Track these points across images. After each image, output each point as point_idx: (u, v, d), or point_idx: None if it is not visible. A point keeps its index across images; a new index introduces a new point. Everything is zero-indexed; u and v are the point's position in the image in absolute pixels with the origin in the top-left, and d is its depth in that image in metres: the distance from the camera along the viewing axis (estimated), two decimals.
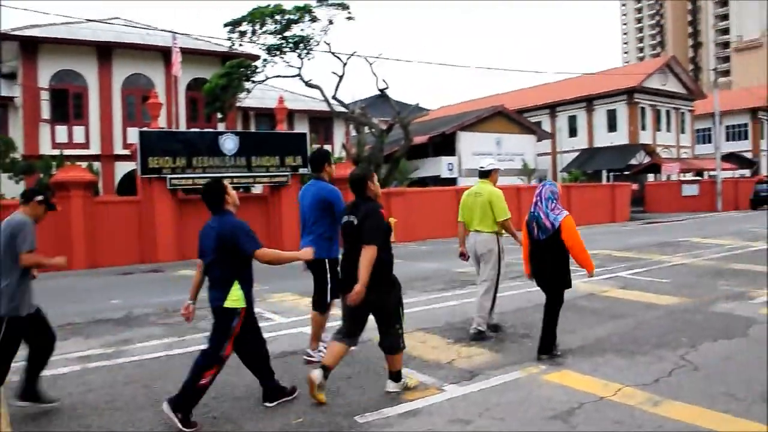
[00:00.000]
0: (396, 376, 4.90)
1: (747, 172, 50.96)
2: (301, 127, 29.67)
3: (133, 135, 19.18)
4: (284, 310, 8.80)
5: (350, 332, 4.86)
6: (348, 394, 4.92)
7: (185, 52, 22.76)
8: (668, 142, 46.96)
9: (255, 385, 4.84)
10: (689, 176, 42.45)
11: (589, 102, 46.22)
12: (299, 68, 22.95)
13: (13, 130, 23.52)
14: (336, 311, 5.60)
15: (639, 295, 8.93)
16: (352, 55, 23.19)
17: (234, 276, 4.48)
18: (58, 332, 5.11)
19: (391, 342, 4.82)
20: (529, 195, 9.91)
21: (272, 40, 22.50)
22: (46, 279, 11.25)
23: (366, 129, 25.32)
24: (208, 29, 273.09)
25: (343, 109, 24.63)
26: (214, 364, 4.42)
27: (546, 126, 47.19)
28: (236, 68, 22.33)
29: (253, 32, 22.40)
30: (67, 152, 22.67)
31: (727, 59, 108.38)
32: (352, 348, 5.07)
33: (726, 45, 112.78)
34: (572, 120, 47.73)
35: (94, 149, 24.57)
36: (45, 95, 23.72)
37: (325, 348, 5.58)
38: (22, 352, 4.67)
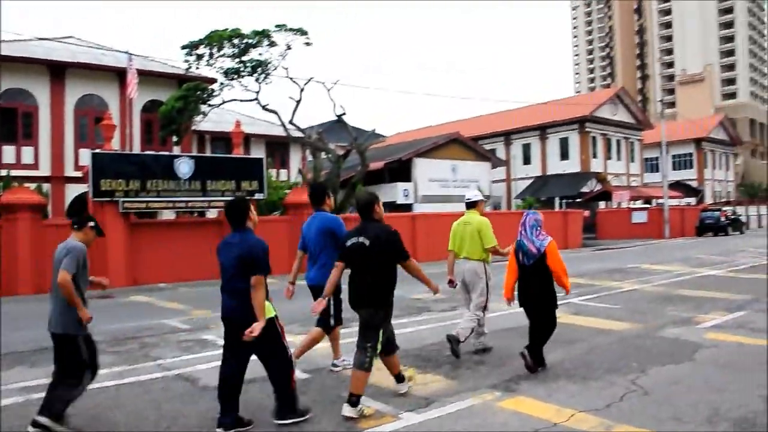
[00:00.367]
0: (355, 401, 4.90)
1: (693, 200, 52.72)
2: (258, 152, 29.54)
3: (86, 157, 18.74)
4: None
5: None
6: (303, 423, 4.86)
7: (141, 73, 22.53)
8: (618, 170, 48.30)
9: (209, 414, 4.74)
10: (638, 204, 43.61)
11: (542, 130, 47.30)
12: (257, 92, 22.93)
13: None
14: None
15: (591, 321, 9.10)
16: (309, 80, 23.27)
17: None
18: (2, 361, 4.94)
19: (362, 359, 4.98)
20: None
21: (230, 63, 22.42)
22: None
23: (323, 154, 25.35)
24: (165, 51, 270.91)
25: (300, 134, 24.62)
26: (291, 363, 4.78)
27: (501, 153, 48.07)
28: (193, 91, 22.14)
29: (211, 55, 22.26)
30: (14, 173, 21.96)
31: (672, 91, 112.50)
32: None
33: (671, 78, 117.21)
34: (526, 148, 48.73)
35: (44, 170, 23.97)
36: None
37: (345, 361, 6.12)
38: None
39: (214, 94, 22.92)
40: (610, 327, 8.62)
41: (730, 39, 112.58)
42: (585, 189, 42.66)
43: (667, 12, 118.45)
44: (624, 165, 49.26)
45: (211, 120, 25.90)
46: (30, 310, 12.84)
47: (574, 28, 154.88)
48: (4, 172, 21.85)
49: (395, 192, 34.99)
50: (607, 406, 5.04)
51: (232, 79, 22.66)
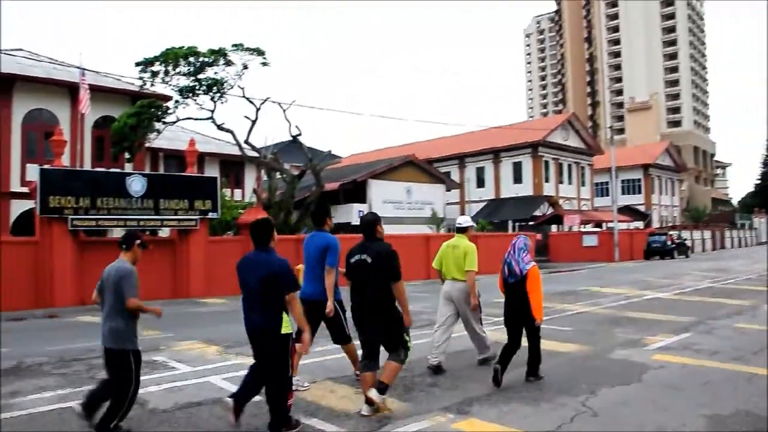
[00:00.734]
0: (383, 389, 5.48)
1: (641, 224, 54.17)
2: (212, 171, 29.25)
3: (33, 172, 18.21)
4: (190, 359, 8.51)
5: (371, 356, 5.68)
6: None
7: (93, 89, 22.10)
8: (570, 195, 49.34)
9: None
10: (589, 227, 44.57)
11: (496, 154, 48.04)
12: (212, 111, 22.74)
13: None
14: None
15: (543, 343, 9.12)
16: (265, 100, 23.19)
17: (279, 304, 4.77)
18: None
19: (398, 354, 5.60)
20: (437, 244, 10.24)
21: (185, 81, 22.19)
22: None
23: (277, 174, 25.22)
24: (119, 67, 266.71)
25: (255, 154, 24.48)
26: (290, 385, 4.88)
27: (455, 176, 48.58)
28: (147, 108, 21.84)
29: (166, 72, 21.99)
30: None
31: (621, 118, 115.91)
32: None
33: (620, 105, 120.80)
34: (480, 171, 49.40)
35: None
36: None
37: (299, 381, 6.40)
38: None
39: (169, 111, 22.65)
40: (561, 349, 8.78)
41: (674, 69, 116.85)
42: (537, 212, 43.43)
43: (616, 42, 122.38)
44: (575, 189, 50.35)
45: (165, 137, 25.52)
46: None
47: (528, 54, 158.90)
48: None
49: (350, 213, 34.89)
50: (558, 428, 5.12)
51: (187, 97, 22.42)
